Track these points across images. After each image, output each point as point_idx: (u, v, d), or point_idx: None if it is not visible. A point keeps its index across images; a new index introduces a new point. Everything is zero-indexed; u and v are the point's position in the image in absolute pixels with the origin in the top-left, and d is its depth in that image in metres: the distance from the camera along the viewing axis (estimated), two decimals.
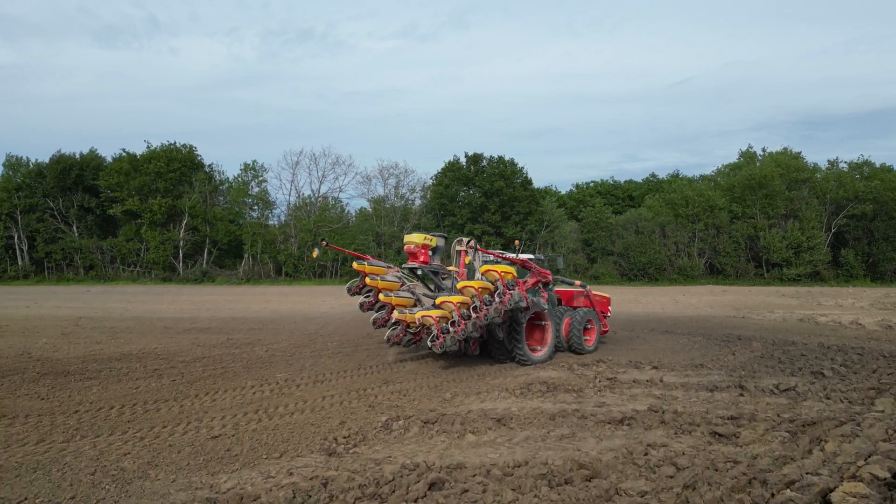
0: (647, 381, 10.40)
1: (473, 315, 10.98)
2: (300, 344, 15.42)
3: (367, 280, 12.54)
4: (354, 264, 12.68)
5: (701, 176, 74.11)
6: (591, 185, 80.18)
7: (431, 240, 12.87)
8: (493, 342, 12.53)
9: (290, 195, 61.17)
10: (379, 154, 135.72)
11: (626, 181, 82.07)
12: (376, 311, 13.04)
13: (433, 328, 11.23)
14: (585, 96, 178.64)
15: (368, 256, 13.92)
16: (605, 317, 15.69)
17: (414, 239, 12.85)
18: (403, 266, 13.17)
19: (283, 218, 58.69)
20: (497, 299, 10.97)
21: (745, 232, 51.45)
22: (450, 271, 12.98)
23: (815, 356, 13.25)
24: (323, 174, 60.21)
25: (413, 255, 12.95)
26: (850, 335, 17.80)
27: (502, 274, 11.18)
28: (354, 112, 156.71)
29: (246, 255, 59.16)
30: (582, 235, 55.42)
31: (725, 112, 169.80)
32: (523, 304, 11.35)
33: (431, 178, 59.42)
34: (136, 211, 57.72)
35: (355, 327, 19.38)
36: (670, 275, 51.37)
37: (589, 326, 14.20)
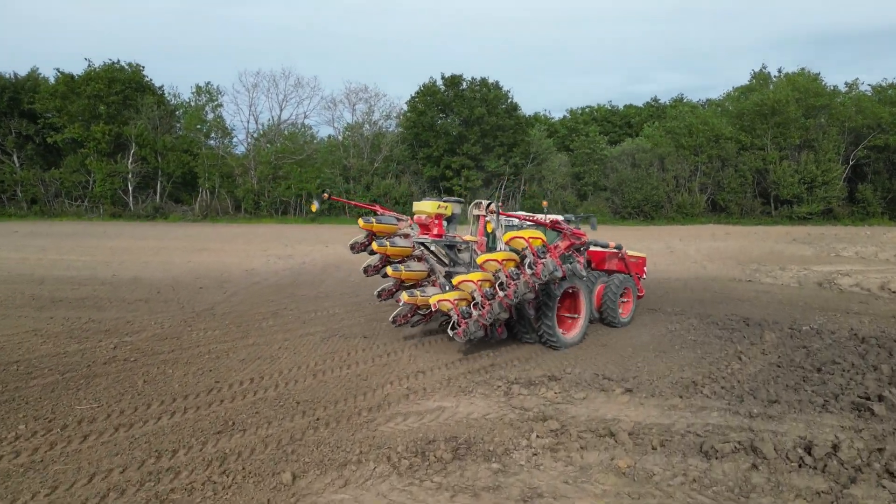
0: (611, 430, 7.00)
1: (500, 293, 9.66)
2: (171, 333, 11.93)
3: (375, 245, 10.73)
4: (360, 221, 11.00)
5: (707, 100, 69.22)
6: (587, 110, 75.14)
7: (446, 207, 11.39)
8: (519, 321, 11.15)
9: (248, 122, 56.24)
10: (348, 75, 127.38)
11: (625, 106, 77.03)
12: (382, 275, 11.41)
13: (452, 314, 9.94)
14: (588, 13, 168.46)
15: (378, 207, 11.93)
16: (639, 279, 14.24)
17: (425, 208, 11.25)
18: (415, 240, 11.24)
19: (243, 148, 54.05)
20: (529, 270, 9.60)
21: (753, 165, 47.49)
22: (468, 242, 11.36)
23: (852, 361, 9.89)
24: (284, 98, 54.98)
25: (425, 227, 11.31)
26: (887, 312, 14.46)
27: (530, 240, 9.63)
28: (321, 27, 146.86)
29: (201, 190, 55.04)
30: (573, 169, 51.30)
31: (736, 30, 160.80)
32: (559, 274, 9.75)
33: (404, 105, 54.60)
34: (79, 139, 53.00)
35: (265, 297, 15.89)
36: (668, 213, 47.80)
37: (625, 298, 13.05)
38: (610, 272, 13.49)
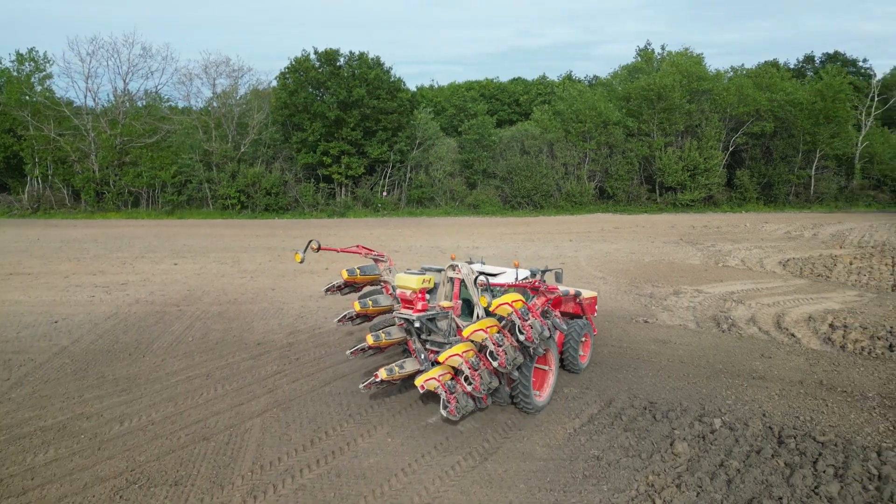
0: None
1: (493, 362, 9.89)
2: None
3: (357, 307, 11.28)
4: (344, 273, 11.55)
5: (595, 78, 69.78)
6: (475, 84, 73.49)
7: (429, 280, 11.50)
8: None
9: (85, 98, 48.87)
10: (205, 45, 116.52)
11: (511, 80, 76.15)
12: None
13: (440, 391, 9.89)
14: None
15: (362, 249, 12.09)
16: (592, 318, 14.46)
17: (410, 284, 11.21)
18: (396, 314, 11.32)
19: (80, 129, 46.81)
20: (521, 335, 9.89)
21: (640, 152, 48.01)
22: (446, 311, 11.35)
23: (780, 494, 8.55)
24: (129, 70, 48.12)
25: (408, 303, 11.27)
26: (791, 373, 13.70)
27: (513, 304, 9.90)
28: None
29: (30, 178, 47.45)
30: (461, 156, 49.35)
31: None
32: (547, 334, 10.35)
33: (274, 80, 49.70)
34: None
35: (59, 389, 12.35)
36: (557, 201, 47.37)
37: (584, 340, 13.41)
38: (566, 315, 13.66)
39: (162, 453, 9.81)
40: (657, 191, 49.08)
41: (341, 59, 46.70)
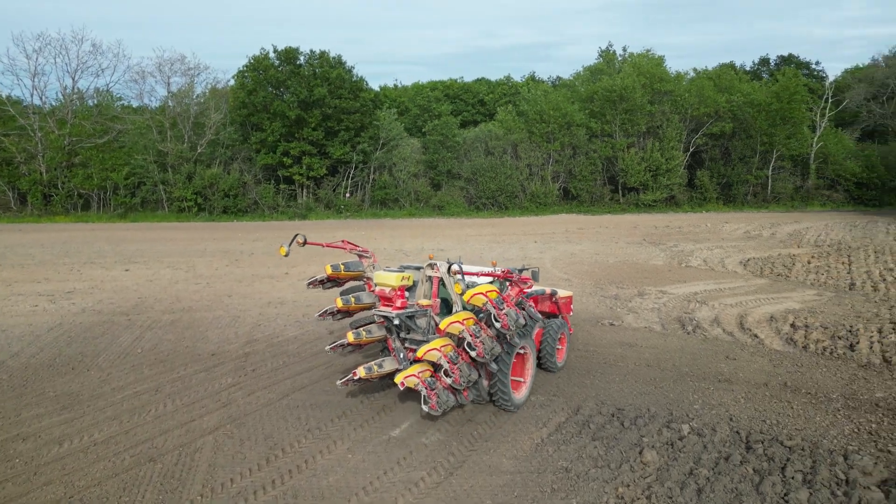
0: None
1: (471, 352, 10.00)
2: None
3: (339, 303, 11.16)
4: (328, 268, 11.40)
5: (558, 79, 70.31)
6: (439, 84, 73.29)
7: (408, 278, 11.47)
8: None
9: (31, 97, 46.85)
10: (159, 42, 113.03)
11: (475, 80, 76.23)
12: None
13: (420, 388, 10.03)
14: None
15: (347, 244, 12.04)
16: (568, 317, 14.71)
17: (389, 281, 11.18)
18: (374, 312, 11.40)
19: (26, 129, 44.83)
20: (497, 323, 10.05)
21: (603, 152, 48.43)
22: (425, 308, 11.39)
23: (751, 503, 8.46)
24: (78, 67, 46.30)
25: (387, 300, 11.31)
26: (756, 375, 13.76)
27: (488, 294, 10.05)
28: None
29: None
30: (425, 156, 48.99)
31: None
32: (522, 322, 10.43)
33: (232, 79, 48.55)
34: None
35: None
36: (522, 202, 47.43)
37: (560, 338, 13.51)
38: (542, 314, 13.75)
39: (104, 477, 9.17)
40: (620, 191, 49.60)
41: (302, 58, 45.92)
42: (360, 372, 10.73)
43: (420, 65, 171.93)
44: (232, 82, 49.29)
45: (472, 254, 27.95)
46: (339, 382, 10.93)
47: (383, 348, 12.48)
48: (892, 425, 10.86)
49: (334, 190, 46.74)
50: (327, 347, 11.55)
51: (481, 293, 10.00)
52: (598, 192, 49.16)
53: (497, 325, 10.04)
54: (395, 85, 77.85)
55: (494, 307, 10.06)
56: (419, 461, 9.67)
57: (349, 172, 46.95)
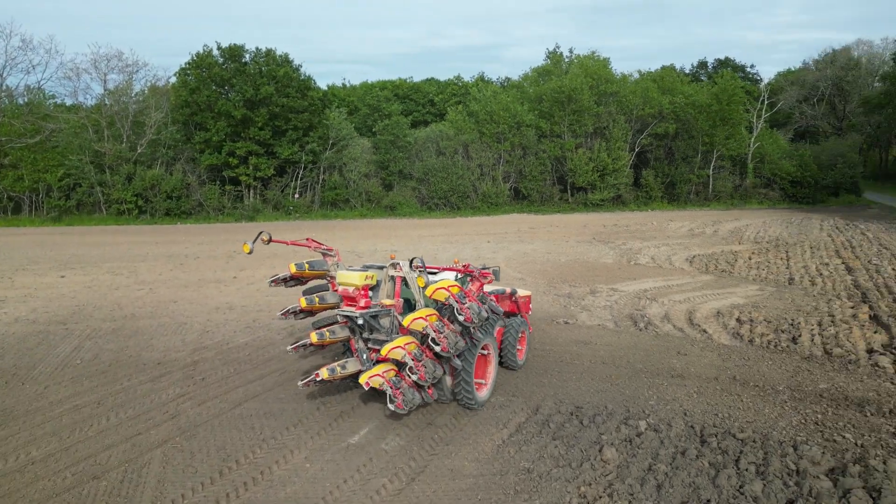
0: None
1: (436, 347, 9.99)
2: None
3: (303, 303, 10.91)
4: (292, 267, 11.20)
5: (507, 80, 70.96)
6: (388, 84, 72.94)
7: (372, 277, 11.39)
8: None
9: None
10: (94, 38, 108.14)
11: (424, 80, 76.25)
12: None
13: (386, 388, 10.04)
14: None
15: (312, 242, 11.86)
16: (527, 315, 14.82)
17: (353, 280, 11.06)
18: (338, 312, 11.17)
19: None
20: (460, 317, 10.23)
21: (552, 153, 49.10)
22: (388, 308, 11.37)
23: (709, 497, 8.61)
24: (6, 63, 43.84)
25: (351, 300, 11.19)
26: (707, 369, 14.13)
27: (450, 289, 10.23)
28: None
29: None
30: (376, 156, 48.57)
31: None
32: (485, 315, 10.69)
33: (173, 77, 46.95)
34: None
35: None
36: (474, 202, 47.61)
37: (521, 337, 13.64)
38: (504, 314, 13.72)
39: (43, 498, 8.62)
40: (569, 191, 50.38)
41: (247, 56, 44.80)
42: (323, 373, 10.58)
43: (367, 64, 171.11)
44: (173, 80, 47.65)
45: (427, 254, 27.81)
46: (300, 383, 10.75)
47: (346, 349, 12.34)
48: (837, 415, 11.33)
49: (283, 191, 45.77)
50: (289, 347, 11.32)
51: (443, 288, 10.16)
52: (547, 192, 49.78)
53: (460, 318, 10.24)
54: (343, 84, 77.09)
55: (457, 301, 10.22)
56: (380, 468, 9.49)
57: (298, 173, 46.06)
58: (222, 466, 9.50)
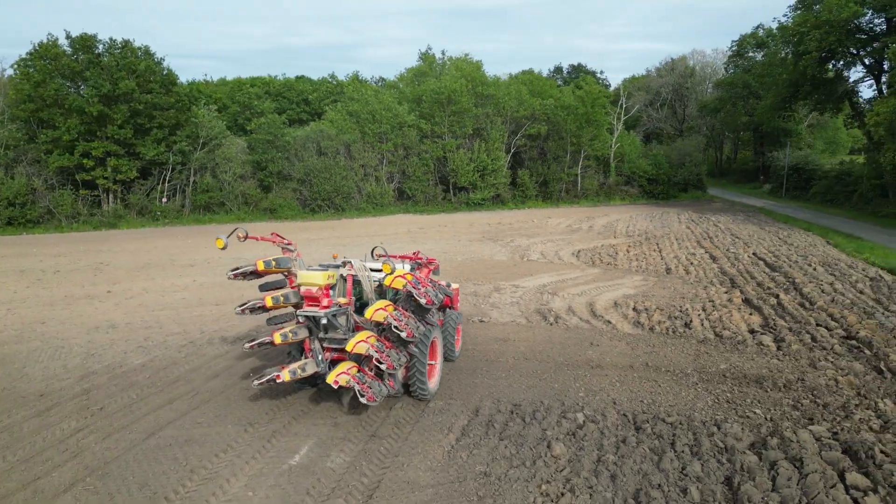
0: None
1: (402, 333, 10.31)
2: None
3: (269, 301, 11.05)
4: (260, 263, 11.11)
5: (381, 79, 70.62)
6: (258, 81, 69.82)
7: (333, 276, 11.25)
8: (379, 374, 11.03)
9: None
10: None
11: (297, 78, 73.95)
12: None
13: (353, 384, 10.04)
14: None
15: (276, 236, 11.94)
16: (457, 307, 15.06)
17: (316, 280, 10.83)
18: (300, 313, 11.03)
19: None
20: (421, 300, 10.77)
21: (434, 153, 49.56)
22: (344, 307, 11.40)
23: (659, 480, 9.04)
24: None
25: (313, 300, 10.97)
26: (621, 357, 14.89)
27: (406, 276, 10.86)
28: None
29: None
30: (252, 156, 46.17)
31: None
32: (441, 296, 11.37)
33: (11, 69, 41.52)
34: None
35: None
36: (359, 203, 46.83)
37: (457, 328, 14.01)
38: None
39: None
40: (451, 191, 51.12)
41: (100, 47, 40.59)
42: (285, 376, 10.55)
43: (216, 60, 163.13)
44: (11, 72, 42.11)
45: (321, 257, 26.83)
46: (255, 383, 10.72)
47: (290, 350, 12.01)
48: (743, 392, 12.41)
49: (148, 194, 42.04)
50: (246, 345, 11.06)
51: (400, 276, 10.87)
52: (431, 192, 50.15)
53: (422, 301, 10.73)
54: (205, 80, 72.58)
55: (414, 287, 10.78)
56: (330, 488, 8.94)
57: (165, 175, 42.53)
58: None
